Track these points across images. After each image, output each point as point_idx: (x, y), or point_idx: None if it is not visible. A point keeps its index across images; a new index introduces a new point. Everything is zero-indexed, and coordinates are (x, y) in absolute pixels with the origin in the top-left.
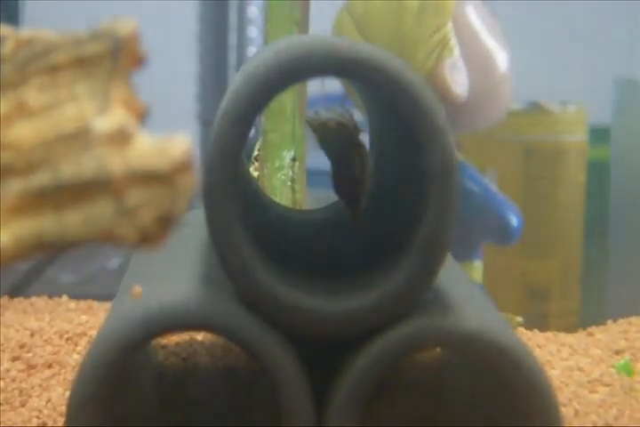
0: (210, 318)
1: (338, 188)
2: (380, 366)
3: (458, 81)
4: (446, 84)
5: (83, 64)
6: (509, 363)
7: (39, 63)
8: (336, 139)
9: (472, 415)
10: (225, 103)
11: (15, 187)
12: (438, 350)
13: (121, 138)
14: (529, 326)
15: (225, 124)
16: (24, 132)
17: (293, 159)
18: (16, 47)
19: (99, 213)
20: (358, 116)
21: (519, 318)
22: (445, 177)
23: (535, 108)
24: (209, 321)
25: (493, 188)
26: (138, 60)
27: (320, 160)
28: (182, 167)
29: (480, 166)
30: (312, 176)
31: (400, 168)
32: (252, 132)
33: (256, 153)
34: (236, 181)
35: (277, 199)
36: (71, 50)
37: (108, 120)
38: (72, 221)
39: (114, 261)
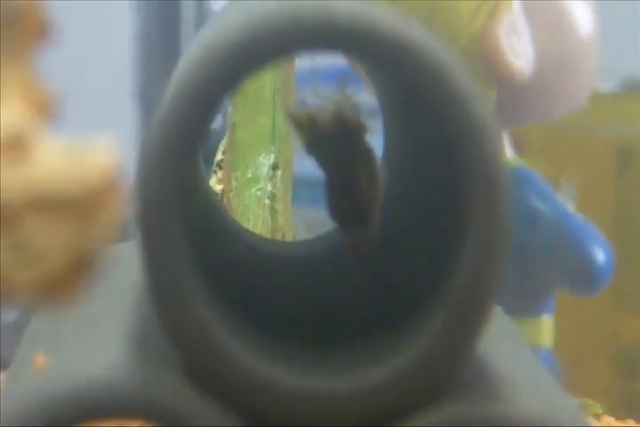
0: (145, 400)
1: (335, 211)
2: None
3: (518, 50)
4: (501, 54)
5: None
6: None
7: None
8: (332, 140)
9: None
10: (174, 83)
11: None
12: None
13: (17, 148)
14: (620, 411)
15: (172, 113)
16: None
17: (274, 167)
18: None
19: None
20: (370, 102)
21: (599, 408)
22: (489, 199)
23: (633, 89)
24: (144, 404)
25: (570, 207)
26: (41, 32)
27: (312, 165)
28: (104, 189)
29: (552, 176)
30: (301, 188)
31: (426, 185)
32: (216, 126)
33: (219, 157)
34: (186, 199)
35: (250, 225)
36: None
37: None
38: None
39: (9, 315)
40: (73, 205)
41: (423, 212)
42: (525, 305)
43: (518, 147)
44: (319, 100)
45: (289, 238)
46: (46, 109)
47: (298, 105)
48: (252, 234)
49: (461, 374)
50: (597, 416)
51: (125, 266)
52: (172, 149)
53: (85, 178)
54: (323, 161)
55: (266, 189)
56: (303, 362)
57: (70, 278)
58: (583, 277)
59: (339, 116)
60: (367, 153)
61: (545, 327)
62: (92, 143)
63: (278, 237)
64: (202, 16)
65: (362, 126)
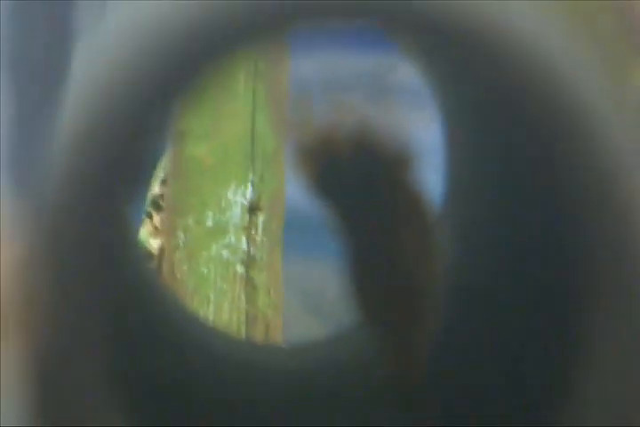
0: None
1: (360, 295)
2: None
3: None
4: None
5: None
6: None
7: None
8: (356, 176)
9: None
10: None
11: None
12: None
13: None
14: None
15: (72, 118)
16: None
17: (252, 208)
18: None
19: None
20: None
21: None
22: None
23: None
24: None
25: None
26: None
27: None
28: None
29: None
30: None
31: (519, 243)
32: (154, 139)
33: (157, 191)
34: (94, 262)
35: (209, 311)
36: None
37: None
38: None
39: None
40: None
41: (515, 289)
42: None
43: None
44: (336, 111)
45: (277, 335)
46: None
47: (299, 108)
48: (211, 328)
49: None
50: None
51: None
52: (77, 167)
53: None
54: (340, 210)
55: (238, 248)
56: None
57: None
58: None
59: (366, 138)
60: (412, 198)
61: None
62: None
63: (259, 332)
64: None
65: (405, 155)
